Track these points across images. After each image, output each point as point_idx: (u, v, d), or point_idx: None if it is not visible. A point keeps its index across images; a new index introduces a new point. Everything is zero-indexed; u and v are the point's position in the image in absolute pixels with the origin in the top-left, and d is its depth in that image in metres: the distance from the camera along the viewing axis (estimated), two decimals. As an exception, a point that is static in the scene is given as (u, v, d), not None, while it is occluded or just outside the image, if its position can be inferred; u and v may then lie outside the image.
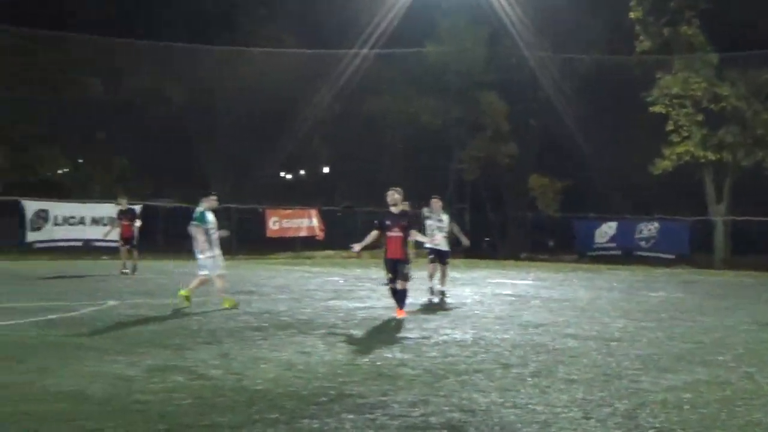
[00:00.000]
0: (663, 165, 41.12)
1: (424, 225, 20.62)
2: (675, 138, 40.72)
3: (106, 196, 44.03)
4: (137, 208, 32.97)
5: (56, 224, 38.42)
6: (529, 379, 9.90)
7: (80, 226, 38.46)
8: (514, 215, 52.39)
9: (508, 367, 10.65)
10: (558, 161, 50.22)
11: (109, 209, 37.50)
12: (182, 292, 17.33)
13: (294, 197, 49.52)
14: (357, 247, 16.45)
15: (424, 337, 13.29)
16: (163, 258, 37.07)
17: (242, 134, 49.74)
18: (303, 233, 43.29)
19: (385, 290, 22.67)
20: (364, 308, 17.91)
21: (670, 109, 40.96)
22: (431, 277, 20.83)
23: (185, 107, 49.66)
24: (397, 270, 16.04)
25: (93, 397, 8.54)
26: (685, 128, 40.59)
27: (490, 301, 20.11)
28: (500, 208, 52.67)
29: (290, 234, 43.15)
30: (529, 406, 8.45)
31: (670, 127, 40.87)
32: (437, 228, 20.64)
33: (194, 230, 17.23)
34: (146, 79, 48.60)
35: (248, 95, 49.03)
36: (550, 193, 50.59)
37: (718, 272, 35.72)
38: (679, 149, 40.55)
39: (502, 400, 8.69)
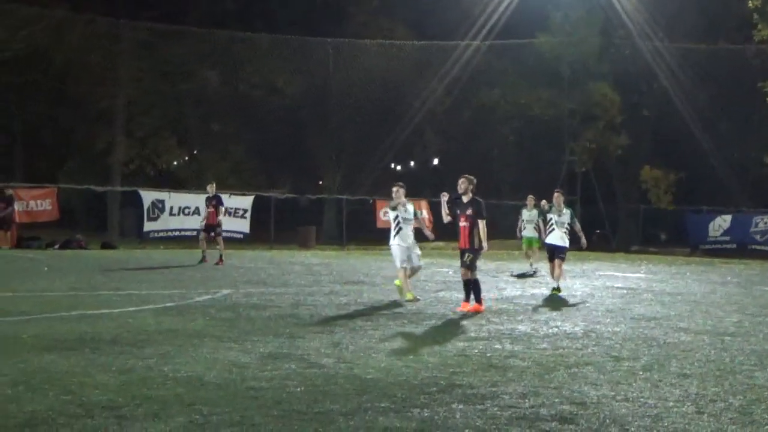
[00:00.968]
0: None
1: (544, 219, 20.21)
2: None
3: (220, 186, 44.86)
4: (224, 196, 33.23)
5: (172, 214, 39.26)
6: (641, 372, 9.82)
7: (195, 216, 39.21)
8: (625, 207, 51.72)
9: (620, 360, 10.58)
10: (671, 153, 49.39)
11: (223, 200, 38.34)
12: (408, 296, 17.20)
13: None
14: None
15: (533, 329, 13.28)
16: (275, 248, 37.59)
17: (354, 126, 50.11)
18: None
19: (493, 281, 22.73)
20: (474, 300, 17.91)
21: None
22: (553, 275, 19.96)
23: (299, 99, 50.27)
24: (464, 259, 15.77)
25: (209, 383, 8.77)
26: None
27: (601, 293, 19.93)
28: (611, 200, 52.03)
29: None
30: (641, 399, 8.40)
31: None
32: (557, 223, 19.89)
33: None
34: (262, 72, 49.33)
35: (360, 87, 49.41)
36: (662, 185, 49.75)
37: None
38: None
39: (613, 393, 8.65)
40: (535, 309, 16.29)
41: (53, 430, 6.79)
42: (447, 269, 26.52)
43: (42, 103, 48.52)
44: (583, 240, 20.45)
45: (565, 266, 19.39)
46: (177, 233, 39.55)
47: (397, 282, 17.77)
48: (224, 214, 30.39)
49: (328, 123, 51.18)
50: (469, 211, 15.76)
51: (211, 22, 47.44)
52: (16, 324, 12.73)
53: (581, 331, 13.28)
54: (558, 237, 19.80)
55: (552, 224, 20.04)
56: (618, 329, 13.51)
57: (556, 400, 8.25)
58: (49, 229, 39.78)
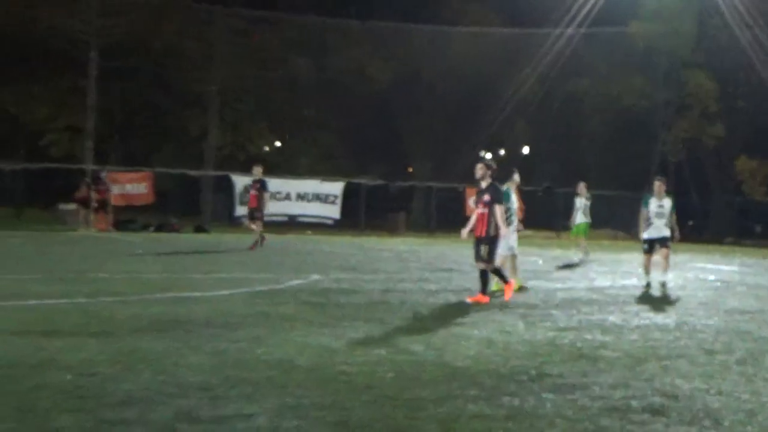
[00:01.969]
0: None
1: (647, 211, 18.73)
2: None
3: (311, 172, 45.32)
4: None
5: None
6: (735, 366, 9.68)
7: (286, 202, 39.63)
8: (719, 199, 50.86)
9: (712, 354, 10.43)
10: (768, 143, 48.41)
11: (314, 185, 38.65)
12: (516, 285, 16.68)
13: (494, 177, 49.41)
14: (464, 233, 15.50)
15: (624, 320, 13.16)
16: (364, 234, 37.79)
17: (445, 113, 50.10)
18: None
19: (584, 271, 22.57)
20: (564, 289, 17.85)
21: None
22: (647, 270, 18.84)
23: (390, 86, 50.40)
24: (478, 249, 15.14)
25: (301, 366, 8.87)
26: None
27: (694, 285, 19.67)
28: (705, 191, 51.19)
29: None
30: (735, 393, 8.28)
31: None
32: (656, 214, 18.64)
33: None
34: (354, 59, 49.59)
35: (452, 75, 49.39)
36: (758, 176, 48.78)
37: None
38: None
39: (706, 386, 8.54)
40: (626, 300, 16.12)
41: (150, 408, 6.94)
42: (536, 258, 26.37)
43: (139, 88, 49.44)
44: (677, 233, 19.23)
45: (657, 257, 18.96)
46: (268, 218, 39.95)
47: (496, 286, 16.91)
48: (270, 199, 29.67)
49: (419, 110, 51.24)
50: (486, 197, 15.13)
51: (304, 7, 47.82)
52: (112, 305, 13.04)
53: (673, 323, 13.13)
54: (659, 228, 18.67)
55: (653, 215, 18.71)
56: (711, 322, 13.31)
57: (648, 392, 8.18)
58: (144, 212, 40.60)
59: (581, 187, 28.27)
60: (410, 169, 54.71)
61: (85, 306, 12.83)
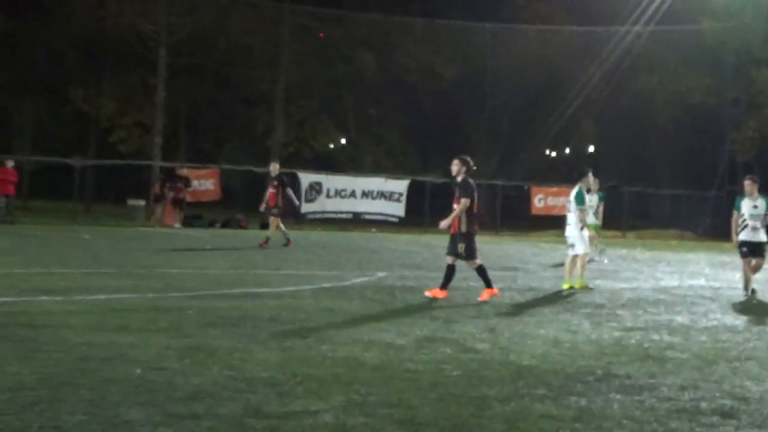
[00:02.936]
0: None
1: (739, 213, 17.12)
2: None
3: (375, 170, 45.46)
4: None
5: (328, 197, 39.86)
6: (806, 369, 9.54)
7: (351, 199, 39.72)
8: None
9: (783, 357, 10.29)
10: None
11: (379, 183, 38.74)
12: (578, 284, 16.66)
13: (559, 175, 49.20)
14: (443, 224, 15.02)
15: (692, 321, 13.01)
16: (429, 232, 37.80)
17: (510, 111, 49.89)
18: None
19: (649, 272, 22.34)
20: (630, 289, 17.70)
21: None
22: (747, 276, 17.24)
23: (455, 84, 50.33)
24: (453, 244, 14.83)
25: (367, 363, 8.91)
26: None
27: (764, 287, 19.35)
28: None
29: (555, 212, 42.86)
30: (806, 397, 8.16)
31: None
32: (750, 216, 16.99)
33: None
34: (418, 56, 49.58)
35: (518, 72, 49.16)
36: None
37: None
38: None
39: (776, 389, 8.43)
40: (694, 300, 15.93)
41: (218, 403, 7.02)
42: (603, 258, 26.16)
43: (205, 85, 49.94)
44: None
45: (724, 258, 18.64)
46: (333, 215, 40.17)
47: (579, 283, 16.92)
48: (284, 196, 26.78)
49: (484, 108, 51.08)
50: (457, 193, 14.83)
51: (370, 5, 47.93)
52: (182, 300, 13.20)
53: (742, 324, 12.96)
54: (756, 231, 17.00)
55: (744, 218, 17.09)
56: (781, 324, 13.13)
57: (717, 394, 8.08)
58: (211, 208, 41.00)
59: (593, 182, 26.80)
60: (475, 167, 54.51)
61: (155, 301, 13.01)
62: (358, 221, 40.74)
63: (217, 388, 7.53)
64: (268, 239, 25.71)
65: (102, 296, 13.27)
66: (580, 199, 16.90)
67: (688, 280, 20.22)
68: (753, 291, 17.01)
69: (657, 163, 55.10)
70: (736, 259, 19.18)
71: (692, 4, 46.91)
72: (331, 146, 56.74)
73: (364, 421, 6.64)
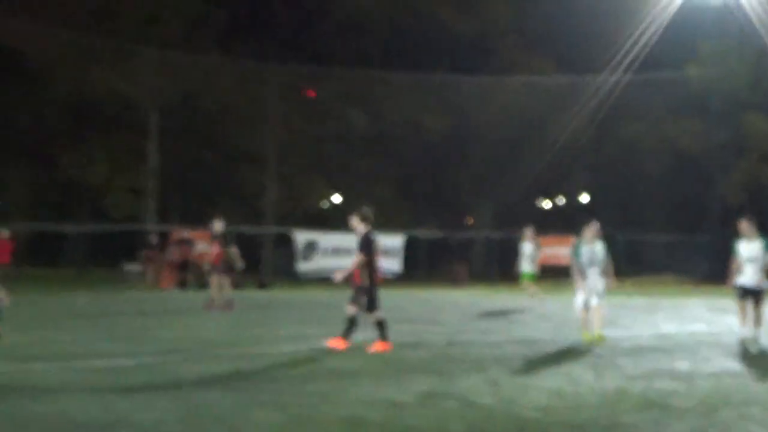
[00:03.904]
0: None
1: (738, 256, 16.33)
2: None
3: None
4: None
5: (324, 254, 39.88)
6: (811, 412, 9.47)
7: (347, 257, 39.65)
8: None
9: (787, 400, 10.22)
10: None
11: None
12: (596, 336, 16.20)
13: (553, 225, 49.15)
14: (339, 276, 15.56)
15: (694, 367, 12.94)
16: (425, 287, 37.73)
17: (499, 162, 50.02)
18: (563, 261, 42.96)
19: (648, 319, 22.27)
20: (629, 337, 17.62)
21: None
22: (743, 320, 16.43)
23: (443, 136, 50.46)
24: (357, 297, 15.25)
25: (371, 422, 8.82)
26: None
27: (765, 330, 19.27)
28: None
29: (551, 262, 42.78)
30: (813, 440, 8.10)
31: None
32: (747, 259, 16.16)
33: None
34: (405, 110, 49.75)
35: (504, 122, 49.34)
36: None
37: None
38: None
39: (783, 433, 8.37)
40: (694, 346, 15.84)
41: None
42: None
43: (195, 146, 49.92)
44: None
45: (725, 302, 18.45)
46: (330, 273, 40.05)
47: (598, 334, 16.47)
48: (230, 255, 25.95)
49: (474, 160, 51.20)
50: (358, 246, 15.30)
51: (354, 62, 48.16)
52: (179, 362, 13.11)
53: (744, 369, 12.90)
54: (752, 275, 16.13)
55: (743, 260, 16.21)
56: (783, 367, 13.07)
57: (724, 440, 8.03)
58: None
59: (528, 233, 27.10)
60: (471, 221, 54.63)
61: (152, 364, 12.91)
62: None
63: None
64: (213, 300, 24.47)
65: (98, 361, 13.17)
66: (576, 253, 16.74)
67: (687, 326, 20.15)
68: (754, 340, 16.07)
69: (648, 209, 55.19)
70: (734, 304, 19.08)
71: (677, 49, 47.19)
72: (327, 204, 56.85)
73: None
